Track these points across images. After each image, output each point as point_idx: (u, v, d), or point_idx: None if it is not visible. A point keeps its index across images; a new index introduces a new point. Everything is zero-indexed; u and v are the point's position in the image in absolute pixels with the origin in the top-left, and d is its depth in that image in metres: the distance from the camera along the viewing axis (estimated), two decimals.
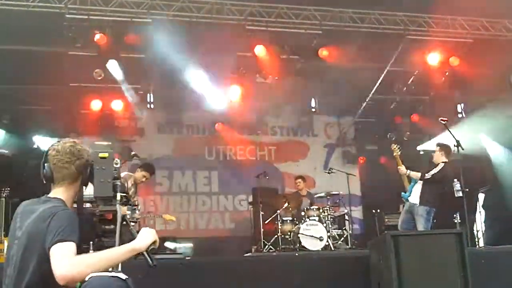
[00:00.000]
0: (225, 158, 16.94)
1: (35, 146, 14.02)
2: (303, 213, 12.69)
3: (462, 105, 15.66)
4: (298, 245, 12.12)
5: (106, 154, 3.92)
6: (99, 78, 12.84)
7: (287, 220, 12.76)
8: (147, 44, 12.39)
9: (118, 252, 3.65)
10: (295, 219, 12.80)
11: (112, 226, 3.89)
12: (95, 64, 12.78)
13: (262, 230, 12.78)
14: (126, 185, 9.94)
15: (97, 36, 11.98)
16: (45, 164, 3.91)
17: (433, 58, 13.79)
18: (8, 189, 10.32)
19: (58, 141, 3.95)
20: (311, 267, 8.08)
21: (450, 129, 10.46)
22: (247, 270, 7.97)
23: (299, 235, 12.10)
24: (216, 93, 14.30)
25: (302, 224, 12.29)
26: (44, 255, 3.55)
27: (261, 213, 13.00)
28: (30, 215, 3.76)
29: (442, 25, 13.40)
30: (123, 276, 3.53)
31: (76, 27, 11.92)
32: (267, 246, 12.49)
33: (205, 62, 13.04)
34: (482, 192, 13.21)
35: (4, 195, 10.18)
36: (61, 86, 13.45)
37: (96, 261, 3.54)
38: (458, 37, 13.53)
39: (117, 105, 14.23)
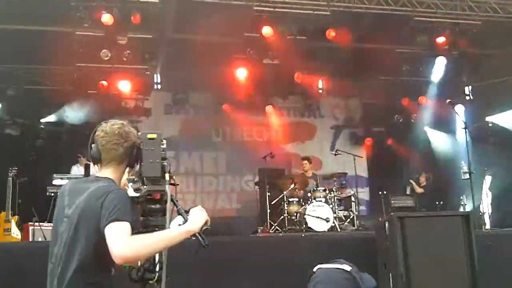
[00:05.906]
0: (232, 139, 16.95)
1: (42, 126, 14.03)
2: (309, 194, 12.69)
3: (470, 87, 15.62)
4: (304, 226, 12.12)
5: (154, 135, 3.92)
6: (106, 59, 12.80)
7: (293, 201, 12.76)
8: (154, 24, 12.36)
9: (174, 234, 3.67)
10: (301, 200, 12.81)
11: (158, 206, 3.90)
12: (102, 44, 12.74)
13: (268, 210, 12.79)
14: None
15: (104, 16, 11.92)
16: (93, 145, 3.90)
17: (441, 40, 13.69)
18: (16, 169, 10.31)
19: (106, 122, 3.92)
20: (317, 248, 8.10)
21: (457, 111, 10.46)
22: (253, 250, 8.00)
23: (305, 216, 12.11)
24: (223, 74, 14.27)
25: (308, 205, 12.29)
26: (97, 232, 3.56)
27: (268, 194, 13.00)
28: (81, 193, 3.74)
29: (450, 7, 13.31)
30: (348, 268, 3.44)
31: (84, 7, 11.88)
32: (273, 227, 12.52)
33: (212, 43, 12.99)
34: (489, 174, 13.16)
35: (11, 175, 10.17)
36: (69, 67, 13.45)
37: (152, 242, 3.56)
38: (466, 19, 13.45)
39: (124, 86, 14.17)
